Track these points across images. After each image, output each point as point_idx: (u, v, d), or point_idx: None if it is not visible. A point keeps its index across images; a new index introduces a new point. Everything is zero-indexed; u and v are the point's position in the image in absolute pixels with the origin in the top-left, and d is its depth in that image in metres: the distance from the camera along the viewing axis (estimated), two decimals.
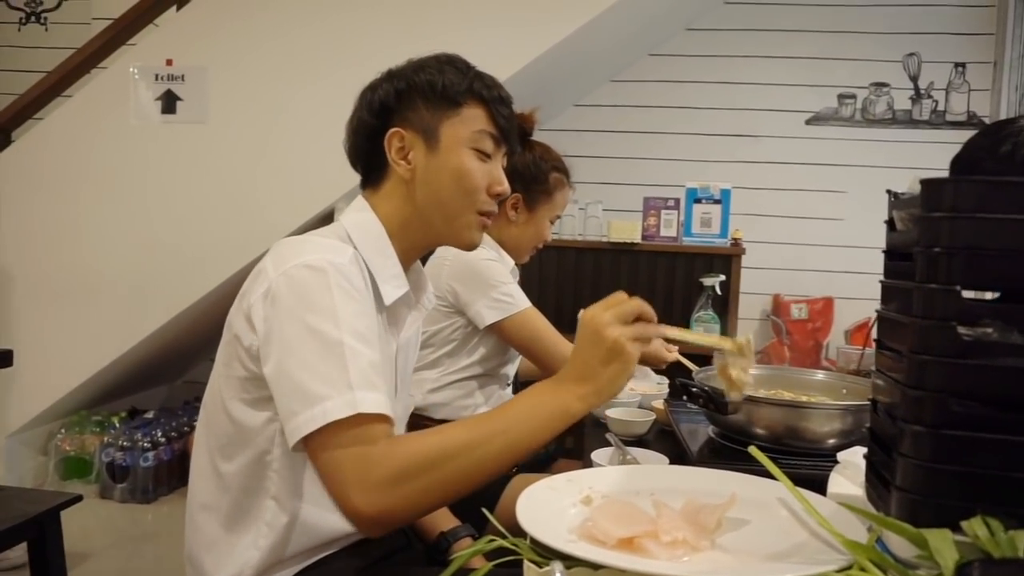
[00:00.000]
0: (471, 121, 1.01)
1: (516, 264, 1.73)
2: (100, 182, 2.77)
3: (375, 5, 2.66)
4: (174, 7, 2.90)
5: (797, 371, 1.27)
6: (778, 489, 0.76)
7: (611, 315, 0.84)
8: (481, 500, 1.38)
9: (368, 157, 1.05)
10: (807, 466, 0.99)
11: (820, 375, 1.23)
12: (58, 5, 4.23)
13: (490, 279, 1.53)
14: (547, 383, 0.88)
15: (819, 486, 0.78)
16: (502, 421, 0.85)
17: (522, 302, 1.55)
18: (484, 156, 1.02)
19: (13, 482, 2.80)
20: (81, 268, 2.80)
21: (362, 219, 1.01)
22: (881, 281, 0.71)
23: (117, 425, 3.00)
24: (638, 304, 0.86)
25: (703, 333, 0.92)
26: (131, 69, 2.74)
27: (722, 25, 3.74)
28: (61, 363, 2.80)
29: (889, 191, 0.70)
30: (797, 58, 3.71)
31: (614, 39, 3.23)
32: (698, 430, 1.21)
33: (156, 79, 2.72)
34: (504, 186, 1.04)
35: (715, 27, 3.74)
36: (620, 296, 0.86)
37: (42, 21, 4.25)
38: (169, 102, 2.70)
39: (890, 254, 0.70)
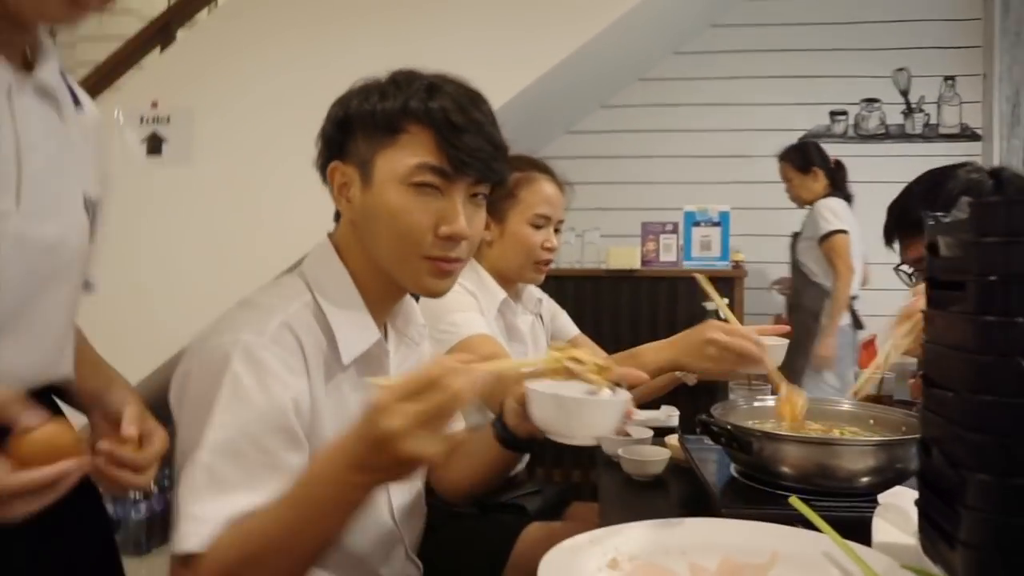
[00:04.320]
0: (409, 152, 0.85)
1: (532, 285, 1.56)
2: None
3: (362, 44, 2.63)
4: (158, 49, 2.88)
5: (819, 401, 1.21)
6: (821, 542, 0.69)
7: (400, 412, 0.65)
8: (493, 550, 1.31)
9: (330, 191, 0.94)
10: (842, 508, 0.93)
11: (846, 404, 1.16)
12: None
13: (438, 310, 1.31)
14: (332, 481, 0.71)
15: (855, 529, 0.71)
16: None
17: (466, 328, 1.32)
18: (431, 191, 0.86)
19: None
20: None
21: (322, 265, 0.92)
22: (924, 311, 0.65)
23: None
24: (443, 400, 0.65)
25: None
26: (116, 112, 2.70)
27: (710, 48, 3.75)
28: None
29: (926, 214, 0.65)
30: (787, 77, 3.72)
31: (603, 65, 3.22)
32: (717, 469, 1.14)
33: (141, 121, 2.69)
34: (455, 226, 0.86)
35: (703, 50, 3.75)
36: (416, 383, 0.65)
37: None
38: (154, 144, 2.66)
39: (934, 282, 0.64)
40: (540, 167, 1.50)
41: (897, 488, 0.81)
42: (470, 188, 0.89)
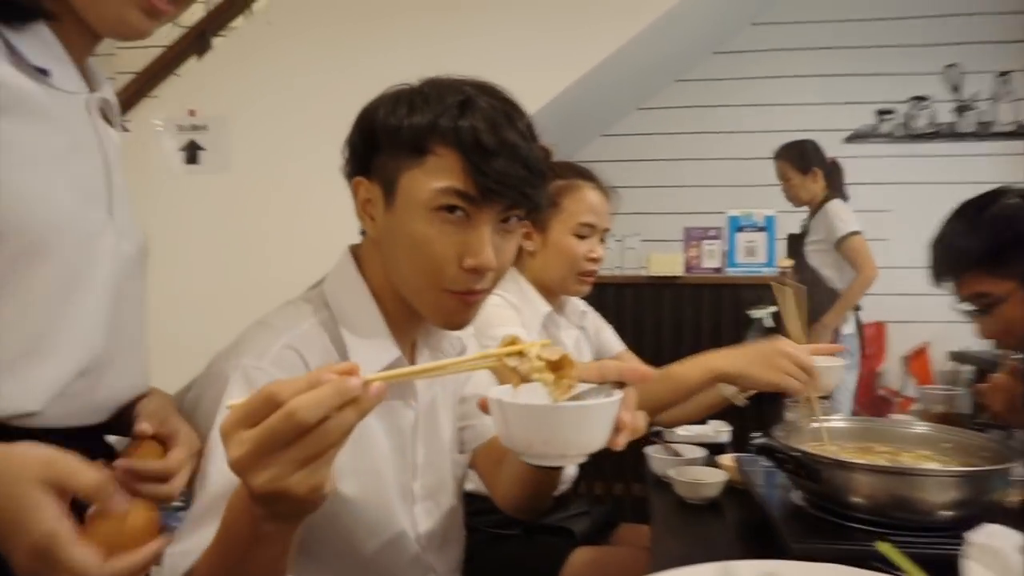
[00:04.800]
0: (435, 174, 0.78)
1: (575, 297, 1.50)
2: None
3: (399, 47, 2.61)
4: (195, 57, 2.89)
5: (887, 423, 1.13)
6: None
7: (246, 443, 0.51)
8: (539, 573, 1.25)
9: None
10: (920, 544, 0.85)
11: (919, 427, 1.08)
12: None
13: (479, 324, 1.22)
14: (241, 513, 0.59)
15: (937, 568, 0.64)
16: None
17: None
18: (457, 217, 0.79)
19: None
20: None
21: (342, 282, 0.89)
22: None
23: None
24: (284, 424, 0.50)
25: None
26: (154, 120, 2.72)
27: (750, 47, 3.65)
28: None
29: None
30: (830, 76, 3.61)
31: (640, 67, 3.15)
32: (778, 494, 1.07)
33: (179, 129, 2.70)
34: (480, 258, 0.79)
35: (743, 49, 3.65)
36: (252, 404, 0.51)
37: None
38: (192, 152, 2.67)
39: None
40: (584, 174, 1.44)
41: (991, 527, 0.73)
42: (501, 213, 0.82)
